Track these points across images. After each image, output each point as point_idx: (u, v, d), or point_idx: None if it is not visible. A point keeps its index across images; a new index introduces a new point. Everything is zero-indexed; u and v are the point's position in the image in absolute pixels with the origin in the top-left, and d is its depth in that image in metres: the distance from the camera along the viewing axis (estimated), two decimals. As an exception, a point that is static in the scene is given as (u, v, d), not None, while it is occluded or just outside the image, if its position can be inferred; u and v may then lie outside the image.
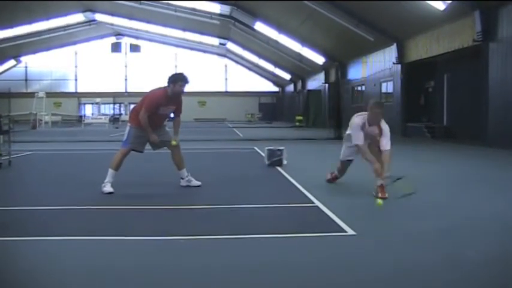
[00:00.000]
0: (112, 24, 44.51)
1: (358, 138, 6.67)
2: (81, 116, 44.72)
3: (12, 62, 49.35)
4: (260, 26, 31.52)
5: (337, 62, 30.93)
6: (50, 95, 43.04)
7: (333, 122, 22.90)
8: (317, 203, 6.05)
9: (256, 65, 48.78)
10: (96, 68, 53.68)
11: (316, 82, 38.04)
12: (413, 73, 22.15)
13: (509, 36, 14.75)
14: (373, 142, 6.68)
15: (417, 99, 22.69)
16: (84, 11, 39.37)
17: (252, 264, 3.94)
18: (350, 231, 4.79)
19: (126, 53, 54.37)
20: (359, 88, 29.71)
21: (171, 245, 4.48)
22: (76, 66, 54.40)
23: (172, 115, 7.53)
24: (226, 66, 55.10)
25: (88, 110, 54.28)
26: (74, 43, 49.82)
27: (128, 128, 7.35)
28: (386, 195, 6.26)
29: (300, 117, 36.43)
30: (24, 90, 50.00)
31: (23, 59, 49.85)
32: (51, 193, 7.38)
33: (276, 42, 33.62)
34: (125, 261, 4.01)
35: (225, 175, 9.04)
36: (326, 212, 5.62)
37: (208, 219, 5.51)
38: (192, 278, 3.63)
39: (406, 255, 4.18)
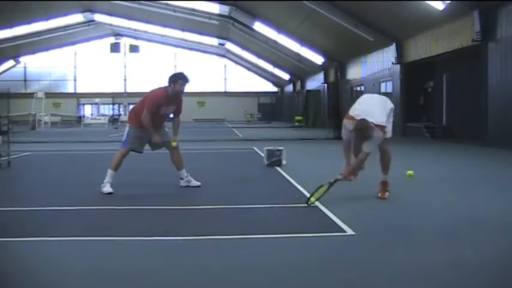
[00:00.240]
0: (111, 25, 44.48)
1: (344, 134, 6.62)
2: (80, 117, 44.66)
3: (11, 63, 49.30)
4: (259, 26, 31.52)
5: (336, 62, 30.95)
6: (49, 95, 43.00)
7: (332, 122, 22.90)
8: (316, 203, 6.05)
9: (256, 65, 48.77)
10: (95, 69, 53.65)
11: (315, 82, 38.04)
12: (413, 73, 22.16)
13: (508, 36, 14.76)
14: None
15: (416, 99, 22.68)
16: (83, 12, 39.34)
17: (252, 264, 3.94)
18: (349, 231, 4.79)
19: (125, 53, 54.29)
20: (358, 88, 29.68)
21: (171, 245, 4.48)
22: (75, 67, 54.35)
23: (171, 115, 7.53)
24: (225, 66, 55.09)
25: (87, 110, 54.21)
26: (73, 43, 49.77)
27: (127, 129, 7.34)
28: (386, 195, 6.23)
29: (299, 118, 36.43)
30: (23, 91, 49.97)
31: (22, 59, 49.79)
32: (50, 193, 7.38)
33: (275, 42, 33.62)
34: (125, 261, 4.01)
35: (224, 175, 9.04)
36: (325, 212, 5.62)
37: (207, 220, 5.51)
38: (192, 278, 3.63)
39: (406, 255, 4.18)
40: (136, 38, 50.10)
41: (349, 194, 6.58)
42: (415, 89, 22.53)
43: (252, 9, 29.67)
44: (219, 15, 32.93)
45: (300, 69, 39.43)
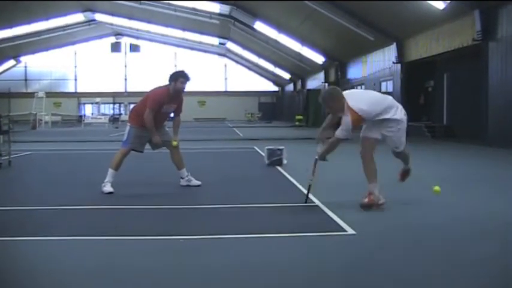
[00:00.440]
0: (112, 24, 44.52)
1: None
2: (81, 116, 44.70)
3: (11, 62, 49.35)
4: (260, 26, 31.53)
5: (337, 62, 30.95)
6: (49, 95, 43.02)
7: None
8: (317, 202, 6.05)
9: (256, 65, 48.79)
10: (96, 68, 53.69)
11: (316, 81, 38.02)
12: (413, 72, 22.16)
13: (509, 35, 14.76)
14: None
15: (417, 99, 22.68)
16: (83, 11, 39.38)
17: (252, 263, 3.94)
18: (350, 231, 4.78)
19: (125, 53, 54.38)
20: (359, 88, 29.67)
21: (171, 245, 4.47)
22: (76, 66, 54.41)
23: (172, 114, 7.53)
24: (226, 65, 55.11)
25: (88, 109, 54.29)
26: (74, 43, 49.83)
27: (127, 128, 7.34)
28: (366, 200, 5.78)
29: (300, 117, 36.45)
30: (23, 90, 50.03)
31: (23, 59, 49.85)
32: (51, 193, 7.38)
33: (276, 41, 33.63)
34: (125, 261, 4.00)
35: (225, 175, 9.04)
36: (326, 212, 5.62)
37: (208, 219, 5.51)
38: (192, 278, 3.63)
39: (406, 254, 4.18)
40: (137, 37, 50.17)
41: (350, 194, 6.58)
42: (416, 88, 22.53)
43: (253, 8, 29.68)
44: (220, 14, 32.95)
45: (300, 69, 39.42)
